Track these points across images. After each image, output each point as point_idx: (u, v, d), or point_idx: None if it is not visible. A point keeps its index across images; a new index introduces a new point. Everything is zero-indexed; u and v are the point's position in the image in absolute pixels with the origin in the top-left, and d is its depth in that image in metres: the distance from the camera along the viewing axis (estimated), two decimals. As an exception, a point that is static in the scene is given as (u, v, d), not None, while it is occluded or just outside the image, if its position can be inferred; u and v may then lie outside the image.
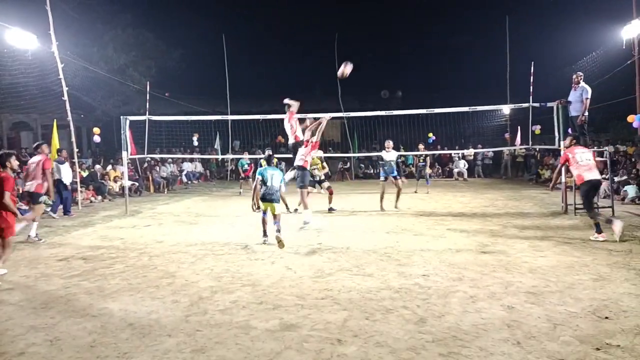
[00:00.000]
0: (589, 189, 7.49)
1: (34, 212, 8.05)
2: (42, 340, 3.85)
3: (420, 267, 5.88)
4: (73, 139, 12.76)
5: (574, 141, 8.13)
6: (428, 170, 15.95)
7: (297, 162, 9.42)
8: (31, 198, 8.16)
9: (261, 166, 7.86)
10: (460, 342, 3.63)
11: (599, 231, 7.24)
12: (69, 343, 3.78)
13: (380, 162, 11.83)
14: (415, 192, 14.82)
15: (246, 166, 15.85)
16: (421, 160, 15.66)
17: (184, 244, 7.60)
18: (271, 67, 35.37)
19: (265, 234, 7.58)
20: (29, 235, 7.94)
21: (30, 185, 8.08)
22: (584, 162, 7.51)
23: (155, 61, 24.95)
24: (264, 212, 7.55)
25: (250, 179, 15.50)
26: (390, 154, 11.33)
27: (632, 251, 6.47)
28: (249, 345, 3.67)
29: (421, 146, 15.69)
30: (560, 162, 8.19)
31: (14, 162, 6.01)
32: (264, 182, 7.43)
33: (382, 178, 11.35)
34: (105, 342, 3.79)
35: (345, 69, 9.41)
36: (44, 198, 8.47)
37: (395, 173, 11.32)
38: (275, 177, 7.47)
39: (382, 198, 11.17)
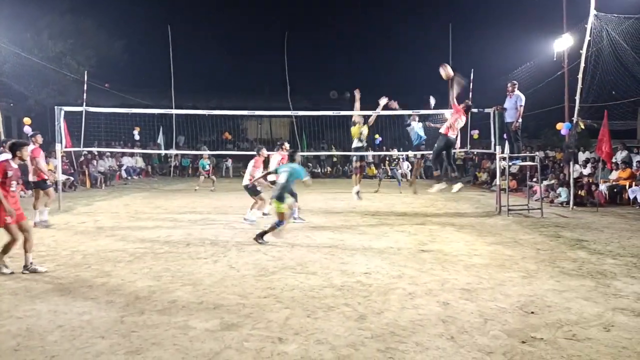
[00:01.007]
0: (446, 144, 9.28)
1: (48, 197, 8.68)
2: (-42, 345, 3.57)
3: (362, 265, 5.99)
4: (1, 128, 11.90)
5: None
6: (399, 171, 17.13)
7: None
8: (39, 186, 8.54)
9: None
10: (398, 338, 3.74)
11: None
12: (-10, 347, 3.53)
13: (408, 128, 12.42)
14: (376, 191, 15.57)
15: (207, 167, 16.05)
16: (393, 165, 16.99)
17: (121, 242, 7.30)
18: (219, 63, 34.64)
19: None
20: (37, 221, 8.43)
21: (33, 176, 8.46)
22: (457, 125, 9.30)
23: (96, 50, 23.76)
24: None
25: (212, 177, 16.04)
26: (417, 124, 12.10)
27: (558, 250, 6.93)
28: (187, 346, 3.58)
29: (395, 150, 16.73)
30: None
31: (25, 153, 5.85)
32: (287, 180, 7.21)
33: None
34: (30, 345, 3.57)
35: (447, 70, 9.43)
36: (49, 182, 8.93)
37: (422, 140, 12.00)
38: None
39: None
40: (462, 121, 9.43)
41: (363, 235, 8.00)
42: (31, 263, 5.57)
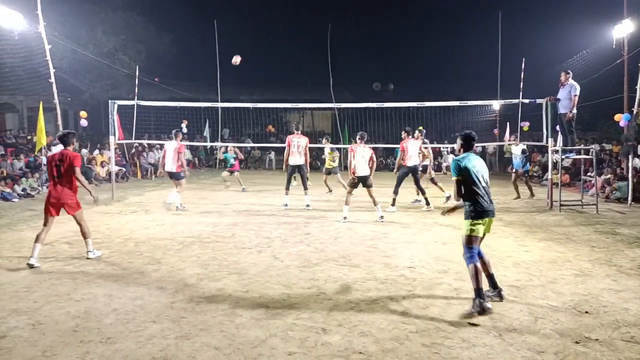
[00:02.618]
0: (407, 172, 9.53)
1: (180, 187, 9.86)
2: (24, 324, 3.82)
3: (406, 259, 5.92)
4: (60, 122, 12.56)
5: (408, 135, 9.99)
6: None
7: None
8: (174, 177, 9.85)
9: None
10: (443, 333, 3.68)
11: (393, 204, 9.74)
12: (52, 327, 3.75)
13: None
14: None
15: (232, 160, 13.70)
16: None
17: (170, 231, 7.56)
18: (263, 56, 35.04)
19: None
20: (176, 206, 9.70)
21: (171, 167, 9.75)
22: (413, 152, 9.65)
23: (145, 45, 24.55)
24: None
25: (238, 177, 13.63)
26: (516, 148, 11.96)
27: (614, 248, 6.58)
28: (233, 333, 3.67)
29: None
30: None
31: (76, 143, 6.18)
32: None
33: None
34: (88, 326, 3.77)
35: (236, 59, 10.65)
36: (183, 174, 10.01)
37: (517, 166, 11.90)
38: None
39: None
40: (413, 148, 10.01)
41: (406, 229, 7.89)
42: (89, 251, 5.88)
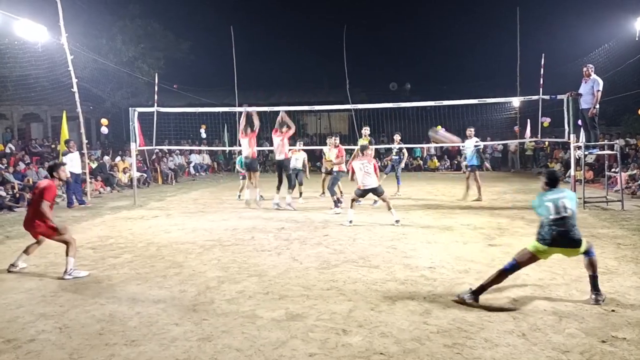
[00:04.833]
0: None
1: (254, 179, 10.71)
2: (51, 327, 3.92)
3: (426, 259, 5.88)
4: (82, 130, 12.85)
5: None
6: (402, 166, 12.96)
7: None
8: (248, 167, 10.69)
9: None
10: (465, 334, 3.64)
11: (337, 206, 9.70)
12: (78, 330, 3.84)
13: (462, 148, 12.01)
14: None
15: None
16: (395, 154, 12.59)
17: (191, 235, 7.66)
18: (279, 59, 35.26)
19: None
20: (254, 199, 10.62)
21: (246, 158, 10.65)
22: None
23: (164, 53, 24.98)
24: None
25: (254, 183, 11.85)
26: (469, 141, 11.34)
27: (641, 245, 6.41)
28: (255, 334, 3.70)
29: (397, 137, 12.63)
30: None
31: (62, 173, 5.87)
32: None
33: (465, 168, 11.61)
34: (113, 329, 3.85)
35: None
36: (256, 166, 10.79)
37: (474, 162, 11.23)
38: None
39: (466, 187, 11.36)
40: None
41: (426, 229, 7.83)
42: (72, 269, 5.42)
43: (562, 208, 4.19)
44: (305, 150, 12.06)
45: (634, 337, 3.52)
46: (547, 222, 4.22)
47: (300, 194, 11.77)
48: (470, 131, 11.49)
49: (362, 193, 8.40)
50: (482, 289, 4.27)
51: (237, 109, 18.43)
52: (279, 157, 10.35)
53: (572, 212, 4.20)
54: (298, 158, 11.54)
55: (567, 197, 4.29)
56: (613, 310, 4.03)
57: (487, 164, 19.19)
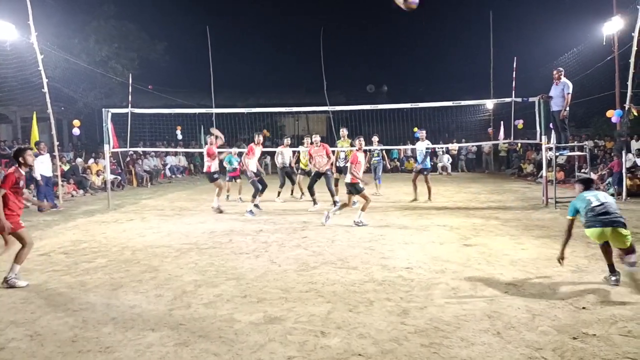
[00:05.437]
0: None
1: (219, 188, 10.49)
2: (22, 335, 3.80)
3: (403, 260, 5.94)
4: (54, 131, 12.53)
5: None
6: (381, 167, 12.98)
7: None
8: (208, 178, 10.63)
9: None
10: (442, 333, 3.69)
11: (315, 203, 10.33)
12: (50, 338, 3.74)
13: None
14: (375, 193, 12.31)
15: (235, 164, 12.38)
16: (376, 155, 12.69)
17: (167, 238, 7.55)
18: (256, 60, 35.18)
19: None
20: (213, 207, 10.33)
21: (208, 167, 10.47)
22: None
23: (139, 53, 24.59)
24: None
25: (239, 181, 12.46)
26: (421, 144, 11.45)
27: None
28: (232, 338, 3.67)
29: (375, 139, 12.67)
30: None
31: (29, 158, 5.47)
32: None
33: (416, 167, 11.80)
34: (87, 336, 3.76)
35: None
36: (218, 176, 10.50)
37: (426, 165, 11.42)
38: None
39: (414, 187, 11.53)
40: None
41: (403, 230, 7.92)
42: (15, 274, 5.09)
43: (602, 197, 5.00)
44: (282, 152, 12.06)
45: (603, 333, 3.63)
46: (589, 210, 4.88)
47: (292, 192, 12.54)
48: (422, 134, 11.69)
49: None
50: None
51: (213, 110, 18.32)
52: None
53: (612, 200, 5.00)
54: (284, 153, 11.80)
55: (602, 193, 5.16)
56: (584, 308, 4.15)
57: (449, 169, 19.79)
